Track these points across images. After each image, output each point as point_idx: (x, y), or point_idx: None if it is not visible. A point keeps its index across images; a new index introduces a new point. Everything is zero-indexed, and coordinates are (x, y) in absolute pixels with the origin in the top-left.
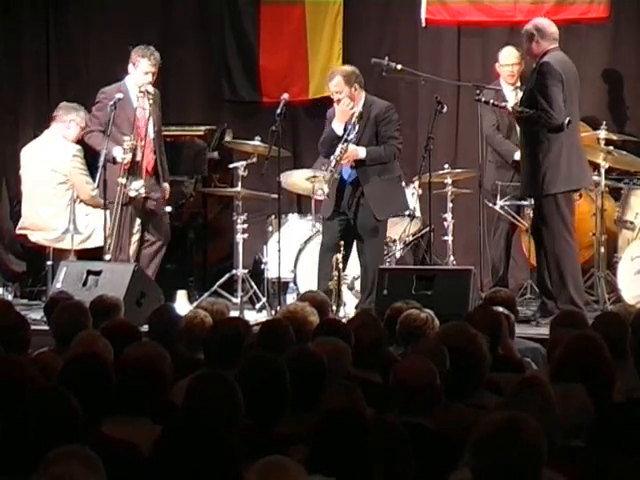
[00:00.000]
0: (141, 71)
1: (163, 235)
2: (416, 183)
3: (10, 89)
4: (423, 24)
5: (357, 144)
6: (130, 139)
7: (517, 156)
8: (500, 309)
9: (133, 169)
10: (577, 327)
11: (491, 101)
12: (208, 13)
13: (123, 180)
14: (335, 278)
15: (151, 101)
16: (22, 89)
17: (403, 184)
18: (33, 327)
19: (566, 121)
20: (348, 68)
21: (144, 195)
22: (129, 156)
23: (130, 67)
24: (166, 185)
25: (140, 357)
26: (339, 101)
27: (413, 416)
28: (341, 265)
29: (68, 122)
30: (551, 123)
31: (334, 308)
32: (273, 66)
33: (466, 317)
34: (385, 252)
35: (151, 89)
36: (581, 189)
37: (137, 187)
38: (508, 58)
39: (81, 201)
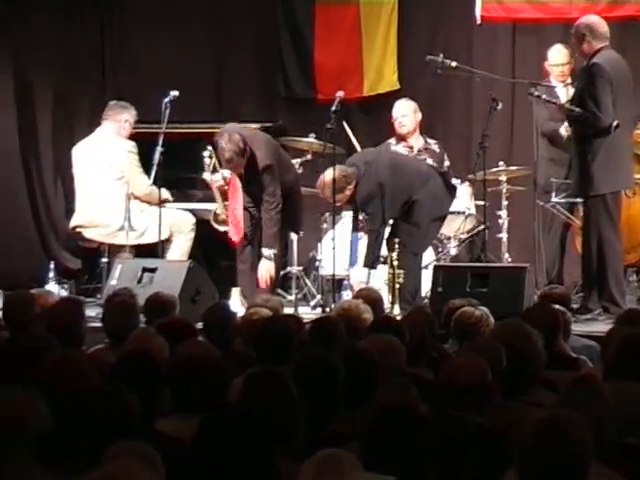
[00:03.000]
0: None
1: None
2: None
3: (65, 88)
4: (478, 21)
5: None
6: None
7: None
8: (556, 306)
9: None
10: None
11: (543, 96)
12: (262, 10)
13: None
14: (390, 275)
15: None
16: (77, 87)
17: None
18: (89, 324)
19: (614, 124)
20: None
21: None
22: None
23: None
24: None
25: (194, 355)
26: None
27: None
28: (396, 262)
29: (123, 122)
30: (598, 126)
31: (389, 305)
32: (328, 63)
33: (524, 314)
34: (440, 249)
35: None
36: (627, 189)
37: (218, 178)
38: (557, 58)
39: (135, 197)
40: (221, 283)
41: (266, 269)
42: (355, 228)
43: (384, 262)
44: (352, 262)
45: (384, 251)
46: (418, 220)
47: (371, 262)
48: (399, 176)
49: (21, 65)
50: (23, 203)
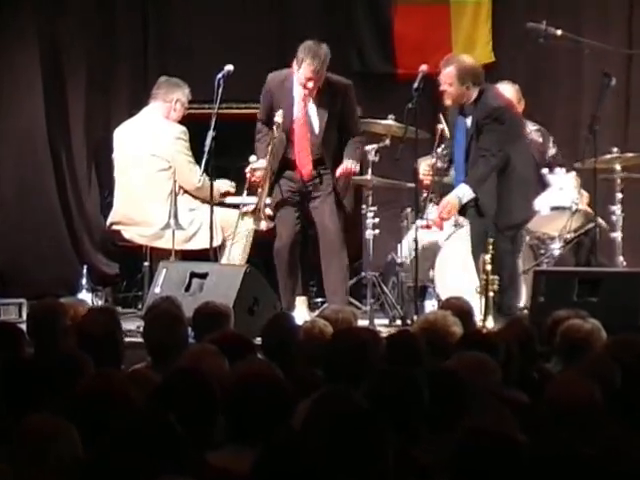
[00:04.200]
0: (302, 74)
1: None
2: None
3: (102, 65)
4: None
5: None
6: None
7: None
8: None
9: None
10: None
11: None
12: None
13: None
14: (482, 282)
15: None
16: (116, 65)
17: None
18: (127, 339)
19: None
20: (470, 60)
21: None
22: (259, 174)
23: (294, 62)
24: None
25: (251, 375)
26: (443, 93)
27: (570, 442)
28: (489, 267)
29: (173, 102)
30: None
31: (481, 317)
32: (410, 33)
33: None
34: (542, 251)
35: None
36: None
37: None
38: None
39: (184, 192)
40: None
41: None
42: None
43: None
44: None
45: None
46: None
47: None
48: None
49: (49, 38)
50: (51, 197)
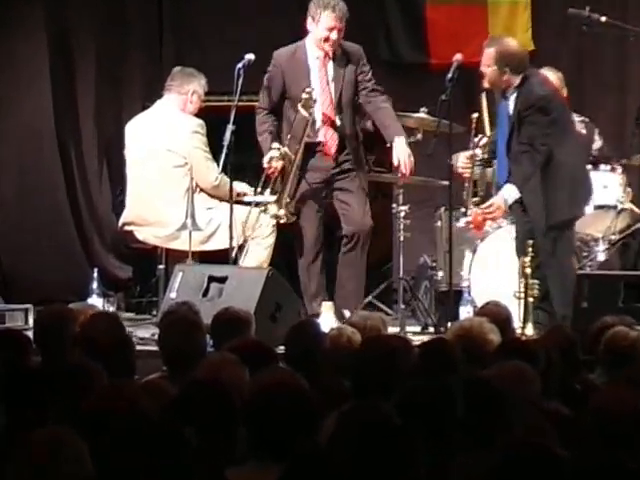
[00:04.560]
0: (323, 27)
1: None
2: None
3: (113, 55)
4: None
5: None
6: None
7: None
8: None
9: (278, 182)
10: None
11: None
12: None
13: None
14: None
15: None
16: (128, 55)
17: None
18: (140, 347)
19: None
20: (513, 45)
21: (283, 222)
22: (277, 164)
23: (309, 22)
24: None
25: (274, 386)
26: (482, 75)
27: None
28: (529, 270)
29: (189, 94)
30: None
31: (520, 324)
32: (444, 20)
33: None
34: (585, 253)
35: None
36: None
37: (273, 213)
38: None
39: (201, 190)
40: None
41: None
42: None
43: None
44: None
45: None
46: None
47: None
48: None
49: (55, 25)
50: (59, 196)
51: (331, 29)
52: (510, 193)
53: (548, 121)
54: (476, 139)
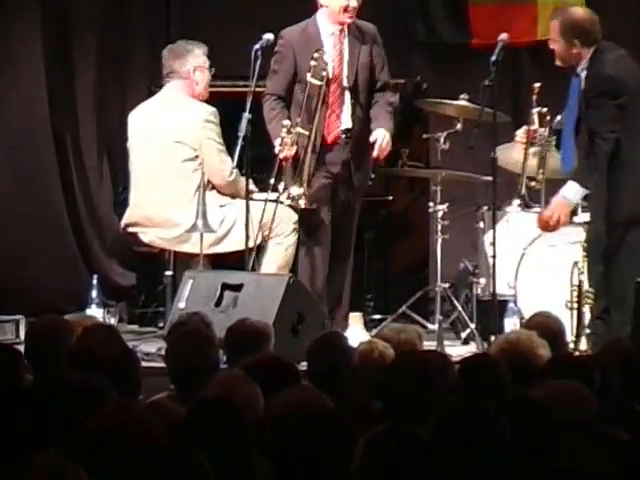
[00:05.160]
0: (337, 3)
1: None
2: None
3: (117, 37)
4: None
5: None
6: (296, 123)
7: None
8: None
9: (296, 168)
10: None
11: None
12: None
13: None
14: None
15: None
16: (130, 35)
17: None
18: (146, 364)
19: None
20: (579, 13)
21: (304, 207)
22: (290, 150)
23: None
24: None
25: (297, 407)
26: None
27: None
28: (584, 277)
29: (192, 74)
30: None
31: (573, 338)
32: None
33: None
34: None
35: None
36: None
37: (296, 193)
38: None
39: (213, 187)
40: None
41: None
42: None
43: None
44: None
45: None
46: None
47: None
48: None
49: (53, 5)
50: (54, 194)
51: None
52: (573, 191)
53: (616, 106)
54: (535, 110)
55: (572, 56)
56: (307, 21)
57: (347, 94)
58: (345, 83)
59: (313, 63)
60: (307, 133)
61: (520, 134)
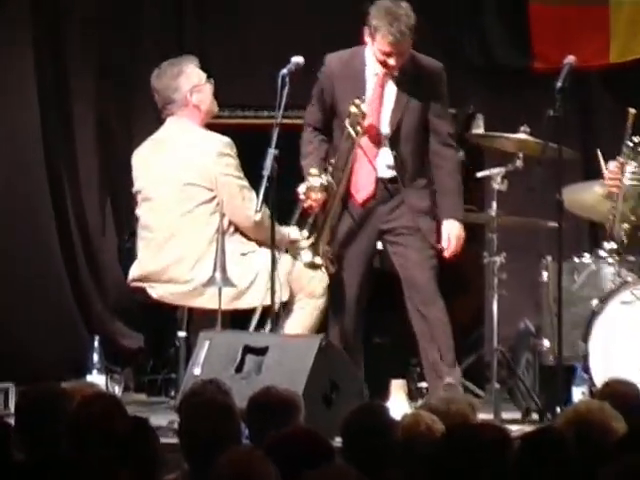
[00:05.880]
0: (378, 47)
1: None
2: None
3: (119, 59)
4: None
5: None
6: (329, 164)
7: None
8: None
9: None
10: None
11: None
12: None
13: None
14: None
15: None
16: (139, 61)
17: None
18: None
19: None
20: None
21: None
22: (317, 196)
23: (365, 31)
24: None
25: None
26: None
27: None
28: None
29: (189, 97)
30: None
31: None
32: (554, 20)
33: None
34: None
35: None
36: None
37: (308, 260)
38: None
39: (235, 231)
40: (373, 371)
41: (456, 234)
42: None
43: None
44: None
45: None
46: None
47: None
48: None
49: (47, 23)
50: (49, 243)
51: (387, 54)
52: None
53: None
54: (630, 143)
55: None
56: (355, 50)
57: (386, 143)
58: (385, 131)
59: (353, 110)
60: (334, 186)
61: (612, 168)
